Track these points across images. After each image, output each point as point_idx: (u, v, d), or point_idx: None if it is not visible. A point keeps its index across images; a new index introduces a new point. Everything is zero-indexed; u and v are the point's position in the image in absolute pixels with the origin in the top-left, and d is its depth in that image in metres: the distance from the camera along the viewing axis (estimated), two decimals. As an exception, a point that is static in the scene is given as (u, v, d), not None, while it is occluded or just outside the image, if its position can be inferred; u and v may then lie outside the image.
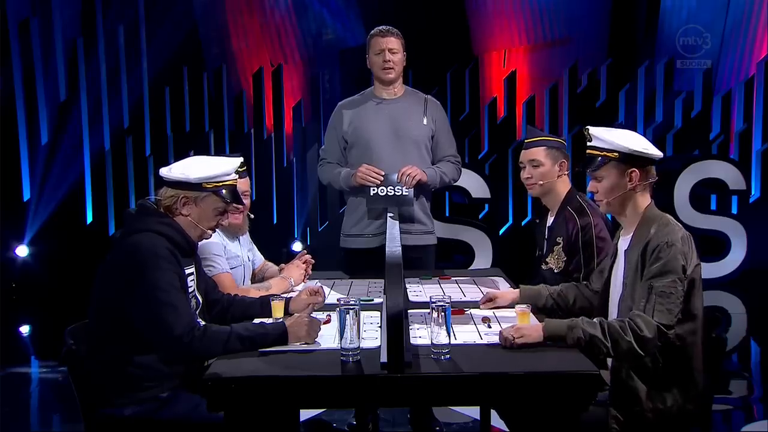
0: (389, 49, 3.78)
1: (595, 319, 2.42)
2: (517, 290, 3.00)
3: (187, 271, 2.60)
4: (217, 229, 2.81)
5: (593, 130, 2.63)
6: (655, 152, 2.58)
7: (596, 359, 2.34)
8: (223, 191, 2.63)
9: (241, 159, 2.78)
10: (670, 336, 2.40)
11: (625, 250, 2.59)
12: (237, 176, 2.71)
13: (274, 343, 2.40)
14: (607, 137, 2.58)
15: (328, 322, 2.70)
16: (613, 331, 2.37)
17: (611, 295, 2.67)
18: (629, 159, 2.56)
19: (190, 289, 2.62)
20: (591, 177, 2.65)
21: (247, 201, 3.28)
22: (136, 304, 2.40)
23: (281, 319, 2.66)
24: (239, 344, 2.37)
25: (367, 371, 2.16)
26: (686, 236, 2.50)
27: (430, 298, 2.32)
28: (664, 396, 2.45)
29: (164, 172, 2.63)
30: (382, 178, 3.70)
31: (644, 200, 2.60)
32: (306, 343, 2.43)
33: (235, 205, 2.74)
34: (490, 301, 2.95)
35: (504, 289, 3.27)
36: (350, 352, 2.23)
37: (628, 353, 2.38)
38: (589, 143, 2.64)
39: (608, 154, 2.57)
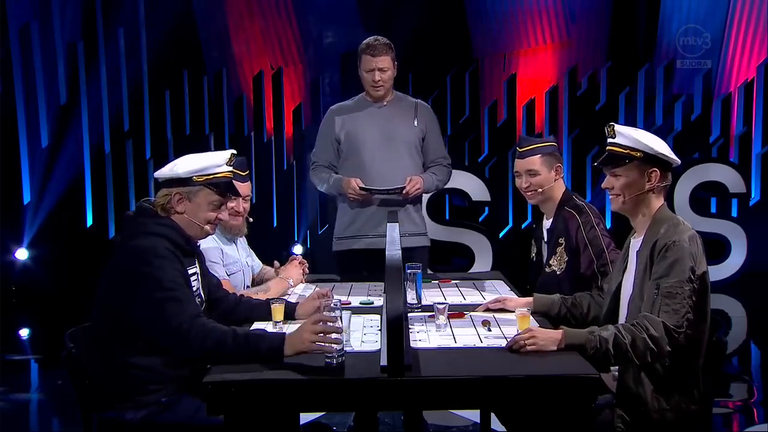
0: (379, 69, 3.81)
1: (606, 326, 2.38)
2: (530, 298, 2.95)
3: (191, 271, 2.58)
4: (214, 232, 2.77)
5: (619, 128, 2.58)
6: (675, 157, 2.58)
7: (605, 365, 2.32)
8: (215, 184, 2.58)
9: (233, 151, 2.65)
10: (679, 338, 2.35)
11: (637, 251, 2.57)
12: (230, 168, 2.62)
13: (269, 351, 2.25)
14: (634, 135, 2.55)
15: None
16: (627, 332, 2.34)
17: (622, 298, 2.64)
18: (652, 160, 2.54)
19: (194, 289, 2.59)
20: (608, 174, 2.61)
21: (247, 205, 3.28)
22: (141, 305, 2.38)
23: (281, 322, 2.66)
24: (232, 342, 2.25)
25: (367, 374, 2.15)
26: (694, 236, 2.49)
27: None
28: (669, 396, 2.43)
29: (157, 173, 2.62)
30: (366, 197, 3.81)
31: (657, 202, 2.59)
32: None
33: (231, 195, 2.67)
34: (498, 302, 2.91)
35: (504, 292, 3.26)
36: (334, 354, 2.20)
37: (646, 352, 2.32)
38: (611, 140, 2.59)
39: (632, 152, 2.54)
